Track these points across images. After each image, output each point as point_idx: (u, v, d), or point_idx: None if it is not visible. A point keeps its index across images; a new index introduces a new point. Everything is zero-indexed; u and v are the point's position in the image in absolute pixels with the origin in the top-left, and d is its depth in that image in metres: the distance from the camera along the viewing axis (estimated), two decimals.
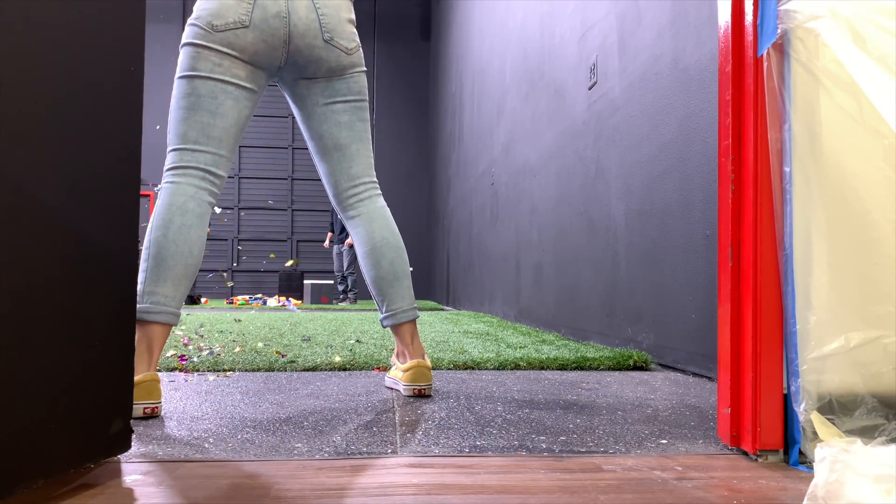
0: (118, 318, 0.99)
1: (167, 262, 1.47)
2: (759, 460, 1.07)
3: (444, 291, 9.57)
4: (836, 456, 0.79)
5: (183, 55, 1.57)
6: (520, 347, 2.79)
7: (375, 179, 1.80)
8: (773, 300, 1.08)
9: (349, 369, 2.18)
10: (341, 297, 9.10)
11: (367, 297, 12.56)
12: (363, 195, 1.77)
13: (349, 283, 9.02)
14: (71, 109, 0.90)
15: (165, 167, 1.56)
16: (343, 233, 9.04)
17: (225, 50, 1.55)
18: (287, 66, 1.66)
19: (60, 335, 0.88)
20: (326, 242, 9.38)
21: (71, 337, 0.90)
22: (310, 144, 1.79)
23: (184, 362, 2.20)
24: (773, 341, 1.07)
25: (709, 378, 2.10)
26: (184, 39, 1.58)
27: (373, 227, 1.75)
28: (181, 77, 1.56)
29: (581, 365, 2.31)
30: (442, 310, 7.46)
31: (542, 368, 2.28)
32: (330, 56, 1.67)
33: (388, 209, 1.80)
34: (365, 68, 1.76)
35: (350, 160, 1.75)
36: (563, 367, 2.30)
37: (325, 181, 1.80)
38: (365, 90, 1.76)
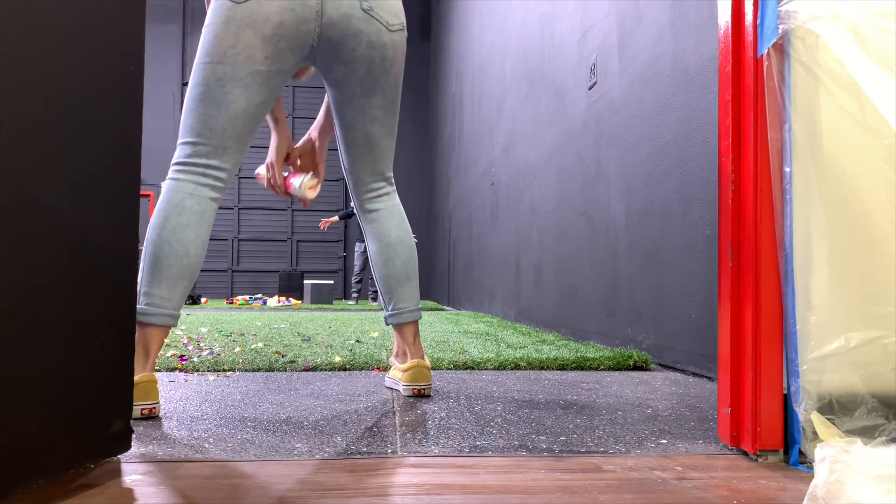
0: (118, 318, 0.99)
1: (161, 263, 1.42)
2: (759, 460, 1.07)
3: (444, 291, 9.57)
4: (836, 456, 0.79)
5: (201, 39, 1.47)
6: (520, 347, 2.79)
7: (392, 175, 1.78)
8: (773, 300, 1.07)
9: (349, 369, 2.18)
10: (354, 295, 9.05)
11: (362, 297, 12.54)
12: (383, 191, 1.74)
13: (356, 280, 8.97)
14: (71, 109, 0.90)
15: (172, 161, 1.50)
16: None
17: (245, 24, 1.41)
18: (321, 45, 1.52)
19: (60, 335, 0.88)
20: (324, 224, 9.15)
21: (71, 337, 0.90)
22: (339, 131, 1.71)
23: (184, 362, 2.20)
24: (773, 341, 1.07)
25: (709, 378, 2.10)
26: (206, 20, 1.47)
27: (390, 224, 1.72)
28: (195, 64, 1.48)
29: (581, 365, 2.31)
30: (442, 310, 7.45)
31: (542, 368, 2.28)
32: (370, 29, 1.53)
33: (402, 207, 1.77)
34: (404, 53, 1.66)
35: (377, 156, 1.70)
36: (563, 367, 2.30)
37: (346, 172, 1.74)
38: (401, 81, 1.67)
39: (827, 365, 1.00)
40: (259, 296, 9.43)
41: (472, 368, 2.26)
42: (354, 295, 9.06)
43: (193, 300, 8.50)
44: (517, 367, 2.28)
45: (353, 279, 9.06)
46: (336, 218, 9.01)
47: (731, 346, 1.12)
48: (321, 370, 2.17)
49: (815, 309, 1.02)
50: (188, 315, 5.36)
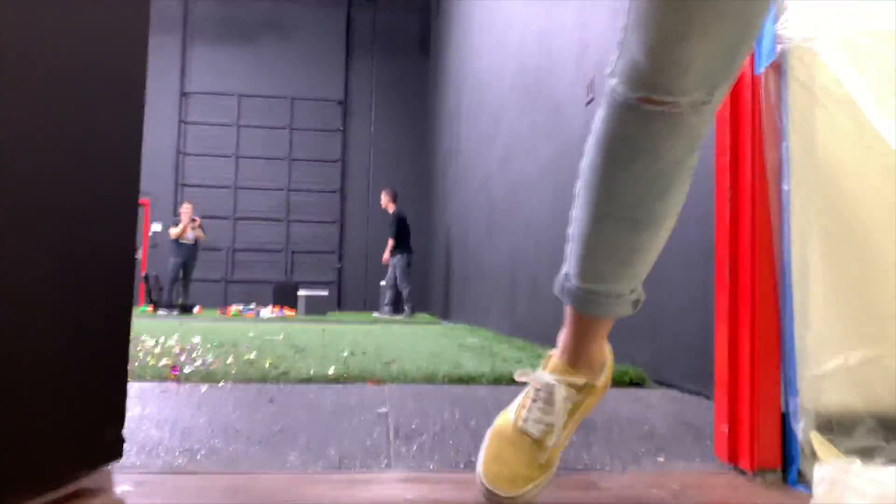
0: (112, 326, 0.98)
1: None
2: (757, 479, 1.06)
3: (440, 304, 9.55)
4: (834, 476, 0.79)
5: None
6: (515, 362, 2.78)
7: None
8: (770, 318, 1.07)
9: (343, 381, 2.17)
10: (386, 308, 8.88)
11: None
12: None
13: (405, 294, 8.72)
14: (71, 117, 0.89)
15: None
16: (398, 243, 8.63)
17: None
18: None
19: (53, 343, 0.87)
20: (387, 255, 8.82)
21: (63, 345, 0.89)
22: None
23: (176, 373, 2.18)
24: (771, 359, 1.07)
25: (706, 396, 2.09)
26: None
27: None
28: None
29: None
30: (438, 323, 7.43)
31: None
32: None
33: None
34: None
35: None
36: None
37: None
38: None
39: (826, 383, 1.00)
40: (252, 305, 9.38)
41: (468, 382, 2.24)
42: (386, 308, 8.89)
43: (186, 309, 8.46)
44: (512, 381, 2.27)
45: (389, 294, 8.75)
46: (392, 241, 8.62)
47: (729, 364, 1.12)
48: (315, 382, 2.15)
49: (812, 327, 1.02)
50: (181, 324, 5.32)
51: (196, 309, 8.96)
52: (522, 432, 0.91)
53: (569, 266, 0.96)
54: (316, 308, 8.83)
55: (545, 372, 0.95)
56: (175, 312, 8.29)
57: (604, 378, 0.99)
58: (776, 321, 1.07)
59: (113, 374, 0.99)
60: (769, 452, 1.05)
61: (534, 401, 0.94)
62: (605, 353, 1.00)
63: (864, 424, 0.97)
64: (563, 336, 0.98)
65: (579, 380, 0.93)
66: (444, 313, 8.88)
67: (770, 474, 1.06)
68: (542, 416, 0.92)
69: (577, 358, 0.96)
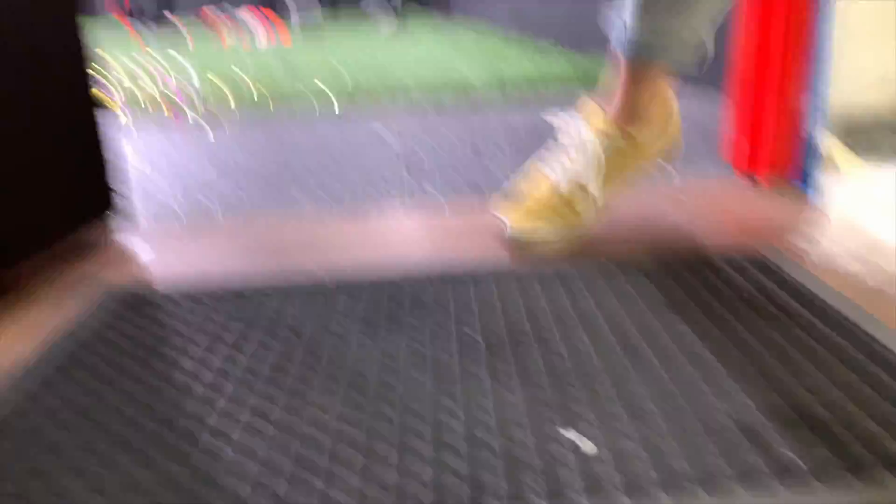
0: (85, 81, 0.90)
1: None
2: (770, 186, 1.03)
3: None
4: (853, 181, 0.75)
5: None
6: (517, 64, 2.64)
7: None
8: (803, 20, 0.94)
9: (350, 112, 2.09)
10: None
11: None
12: None
13: None
14: None
15: None
16: None
17: None
18: None
19: (27, 110, 0.80)
20: None
21: (41, 102, 0.82)
22: None
23: (177, 118, 2.12)
24: (798, 63, 0.96)
25: (722, 96, 2.01)
26: None
27: None
28: None
29: (584, 83, 2.20)
30: (440, 30, 6.97)
31: (542, 83, 2.17)
32: None
33: None
34: None
35: None
36: (565, 84, 2.20)
37: None
38: None
39: (855, 87, 0.91)
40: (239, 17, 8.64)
41: (468, 92, 2.16)
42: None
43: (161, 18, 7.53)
44: (517, 88, 2.18)
45: None
46: None
47: (754, 61, 1.01)
48: (321, 117, 2.08)
49: (846, 28, 0.89)
50: (174, 57, 5.06)
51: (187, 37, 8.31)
52: (541, 173, 0.85)
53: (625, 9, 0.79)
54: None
55: (575, 114, 0.85)
56: (153, 26, 7.48)
57: (651, 135, 0.83)
58: (806, 21, 0.93)
59: (88, 121, 0.92)
60: (787, 160, 1.00)
61: (557, 142, 0.86)
62: (656, 111, 0.84)
63: (889, 128, 0.90)
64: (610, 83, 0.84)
65: (610, 127, 0.81)
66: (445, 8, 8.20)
67: (783, 182, 1.03)
68: (560, 157, 0.84)
69: (619, 108, 0.82)
